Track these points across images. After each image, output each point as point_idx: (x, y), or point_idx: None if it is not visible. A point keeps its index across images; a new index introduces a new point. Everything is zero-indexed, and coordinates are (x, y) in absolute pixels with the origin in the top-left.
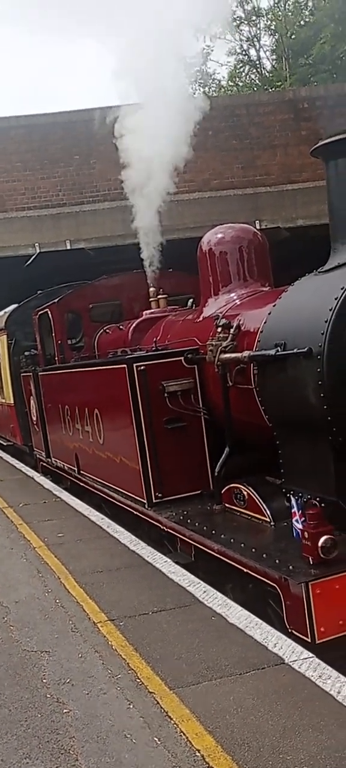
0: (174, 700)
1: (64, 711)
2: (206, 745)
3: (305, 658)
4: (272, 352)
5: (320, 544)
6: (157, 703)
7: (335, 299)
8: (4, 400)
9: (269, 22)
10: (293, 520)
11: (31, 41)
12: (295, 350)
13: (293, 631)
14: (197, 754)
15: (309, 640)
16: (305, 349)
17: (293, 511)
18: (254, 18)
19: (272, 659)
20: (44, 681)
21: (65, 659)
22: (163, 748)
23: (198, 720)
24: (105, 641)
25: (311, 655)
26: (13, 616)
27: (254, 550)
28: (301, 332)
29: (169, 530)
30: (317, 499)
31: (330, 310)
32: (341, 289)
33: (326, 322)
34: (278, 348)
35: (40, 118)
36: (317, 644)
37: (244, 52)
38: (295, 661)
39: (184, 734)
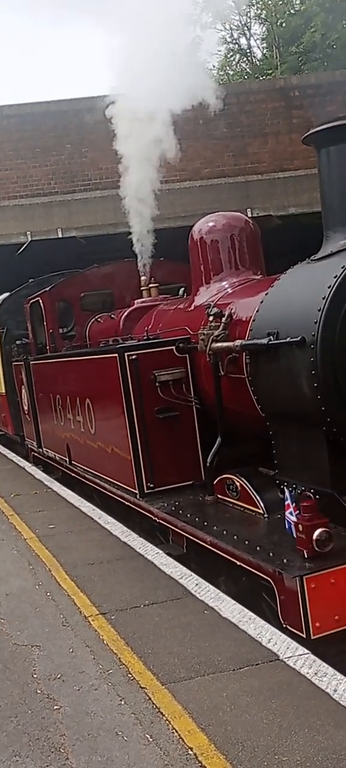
0: (166, 696)
1: (55, 707)
2: (199, 743)
3: (301, 655)
4: (265, 341)
5: (314, 537)
6: (149, 698)
7: (328, 287)
8: None
9: (260, 10)
10: (287, 512)
11: (22, 29)
12: (288, 339)
13: (288, 627)
14: (190, 752)
15: (304, 636)
16: (298, 338)
17: (286, 503)
18: (244, 7)
19: (267, 655)
20: (35, 676)
21: (56, 654)
22: (155, 745)
23: (190, 717)
24: (96, 635)
25: (306, 651)
26: (4, 609)
27: (247, 542)
28: (294, 321)
29: (161, 521)
30: (312, 490)
31: (323, 298)
32: (334, 277)
33: (319, 310)
34: (271, 337)
35: (32, 107)
36: (313, 640)
37: (234, 41)
38: (290, 657)
39: (176, 731)
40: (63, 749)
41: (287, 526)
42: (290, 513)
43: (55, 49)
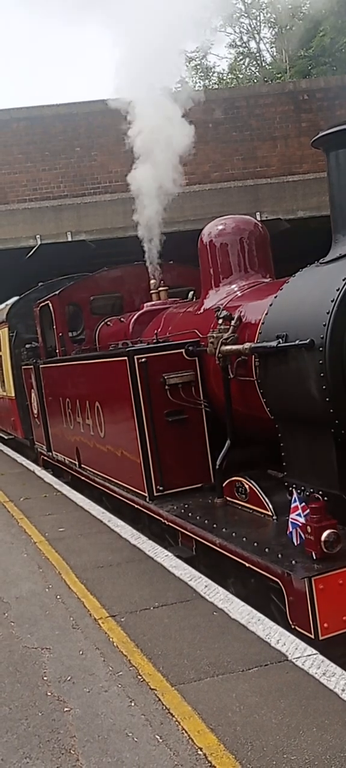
0: (176, 697)
1: (65, 709)
2: (209, 744)
3: (309, 655)
4: (274, 343)
5: (323, 538)
6: (159, 700)
7: (337, 290)
8: (5, 393)
9: (269, 14)
10: (293, 514)
11: (32, 32)
12: (297, 342)
13: (296, 628)
14: (200, 752)
15: (312, 637)
16: (307, 340)
17: (292, 506)
18: (254, 11)
19: (275, 656)
20: (45, 678)
21: (66, 656)
22: (165, 746)
23: (200, 717)
24: (106, 638)
25: (314, 651)
26: (14, 612)
27: (256, 544)
28: (303, 324)
29: (170, 524)
30: (320, 492)
31: (332, 301)
32: (343, 280)
33: (327, 313)
34: (280, 340)
35: (41, 110)
36: (321, 641)
37: (244, 45)
38: (298, 658)
39: (186, 732)
40: (73, 751)
41: (290, 528)
42: (298, 515)
43: (65, 52)
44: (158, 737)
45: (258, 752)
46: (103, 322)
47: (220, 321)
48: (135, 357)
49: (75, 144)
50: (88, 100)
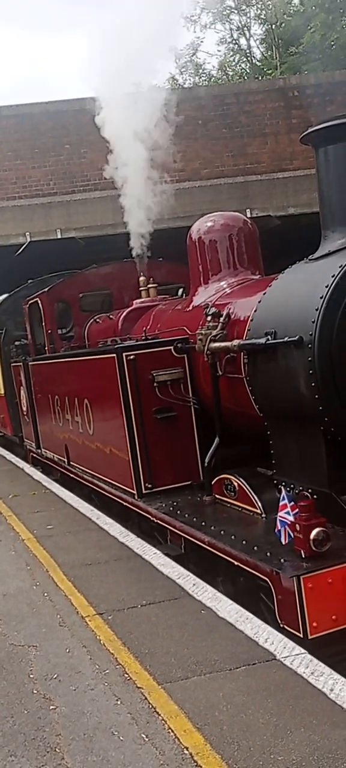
0: (162, 696)
1: (51, 707)
2: (195, 743)
3: (297, 654)
4: (262, 340)
5: (312, 536)
6: (145, 698)
7: (326, 287)
8: None
9: (259, 11)
10: (281, 512)
11: (22, 31)
12: (285, 339)
13: (285, 626)
14: (186, 751)
15: (301, 636)
16: (296, 337)
17: (281, 504)
18: (244, 7)
19: (263, 655)
20: (31, 676)
21: (53, 654)
22: (150, 745)
23: (186, 716)
24: (93, 636)
25: (303, 651)
26: (1, 609)
27: (244, 542)
28: (291, 321)
29: (159, 522)
30: (309, 490)
31: (321, 297)
32: (332, 276)
33: (316, 310)
34: (269, 337)
35: (31, 108)
36: (310, 640)
37: (234, 42)
38: (286, 657)
39: (172, 731)
40: (59, 749)
41: (279, 526)
42: (287, 513)
43: (55, 49)
44: (144, 736)
45: (245, 752)
46: (92, 319)
47: (208, 318)
48: (124, 354)
49: (64, 141)
50: (77, 98)
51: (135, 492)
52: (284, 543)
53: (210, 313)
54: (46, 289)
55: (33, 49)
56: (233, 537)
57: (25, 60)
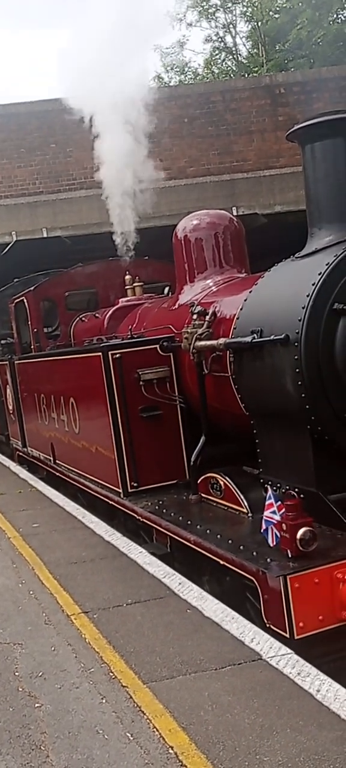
0: (147, 695)
1: (36, 705)
2: (180, 743)
3: (283, 655)
4: (248, 339)
5: (298, 536)
6: (130, 697)
7: (313, 285)
8: None
9: (245, 8)
10: (266, 512)
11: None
12: (272, 337)
13: (271, 626)
14: (171, 751)
15: (287, 636)
16: (282, 336)
17: (267, 503)
18: (229, 5)
19: (249, 655)
20: (16, 674)
21: (38, 652)
22: (135, 744)
23: (172, 716)
24: (78, 634)
25: (289, 651)
26: None
27: (230, 541)
28: (278, 319)
29: (144, 520)
30: (296, 489)
31: (307, 296)
32: (319, 274)
33: (303, 308)
34: (255, 335)
35: (17, 107)
36: (296, 640)
37: (220, 39)
38: (272, 657)
39: (157, 730)
40: (43, 747)
41: (264, 526)
42: (273, 512)
43: (41, 48)
44: (129, 735)
45: (230, 752)
46: (78, 318)
47: (194, 316)
48: (109, 353)
49: (50, 141)
50: (63, 97)
51: (121, 491)
52: (271, 545)
53: (196, 311)
54: (32, 288)
55: (16, 46)
56: (218, 536)
57: (9, 58)
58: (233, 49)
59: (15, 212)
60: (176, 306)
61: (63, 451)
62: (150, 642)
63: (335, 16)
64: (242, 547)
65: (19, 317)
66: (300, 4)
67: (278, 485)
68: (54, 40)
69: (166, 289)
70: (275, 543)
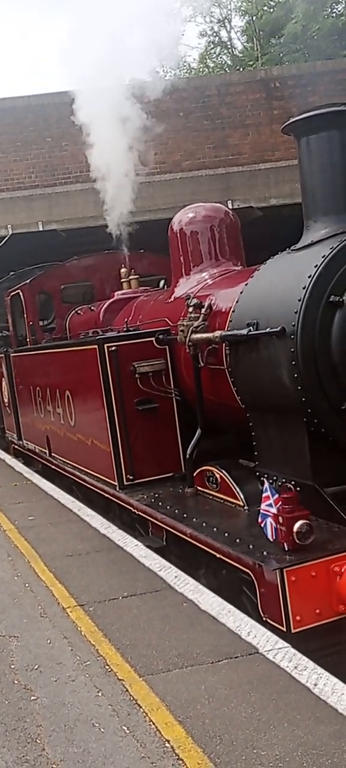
0: (143, 688)
1: (32, 698)
2: (176, 736)
3: (280, 648)
4: (244, 331)
5: (295, 529)
6: (126, 690)
7: (309, 277)
8: None
9: (240, 2)
10: (264, 504)
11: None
12: (268, 330)
13: (268, 620)
14: (167, 744)
15: (284, 630)
16: (278, 328)
17: (264, 495)
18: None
19: (246, 648)
20: (12, 667)
21: (34, 645)
22: (131, 737)
23: (168, 709)
24: (74, 627)
25: (286, 645)
26: None
27: (226, 534)
28: (274, 311)
29: (140, 513)
30: (292, 482)
31: (303, 288)
32: (315, 266)
33: (299, 300)
34: (251, 327)
35: (13, 101)
36: (293, 634)
37: (215, 34)
38: (269, 650)
39: (153, 724)
40: (39, 740)
41: (260, 519)
42: (270, 505)
43: (36, 43)
44: (125, 728)
45: (227, 746)
46: (73, 311)
47: (190, 309)
48: (105, 345)
49: (46, 134)
50: (59, 91)
51: (116, 483)
52: (271, 540)
53: (192, 304)
54: (27, 281)
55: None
56: (215, 529)
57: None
58: (228, 43)
59: (11, 206)
60: (172, 299)
61: (59, 444)
62: (146, 635)
63: (329, 9)
64: (238, 540)
65: (14, 310)
66: None
67: (275, 478)
68: (55, 34)
69: (162, 282)
70: (274, 537)
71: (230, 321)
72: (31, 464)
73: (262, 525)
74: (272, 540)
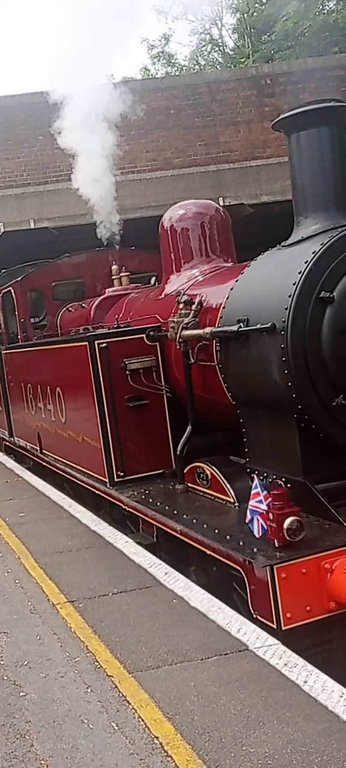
0: (133, 685)
1: (21, 694)
2: (165, 733)
3: (270, 645)
4: (235, 328)
5: (285, 525)
6: (116, 687)
7: (299, 273)
8: None
9: (231, 0)
10: (252, 501)
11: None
12: (258, 326)
13: (258, 617)
14: (156, 741)
15: (274, 627)
16: (269, 324)
17: (252, 492)
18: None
19: (236, 645)
20: (1, 663)
21: (23, 641)
22: (120, 734)
23: (157, 706)
24: (64, 623)
25: (276, 642)
26: None
27: (217, 531)
28: (264, 307)
29: (131, 510)
30: (283, 479)
31: (294, 284)
32: (305, 262)
33: (289, 296)
34: (241, 324)
35: (4, 100)
36: (283, 631)
37: (206, 32)
38: (259, 647)
39: (142, 720)
40: (28, 736)
41: (249, 516)
42: (259, 501)
43: (29, 41)
44: (114, 725)
45: (216, 743)
46: (64, 308)
47: (181, 306)
48: (96, 342)
49: (38, 133)
50: (50, 90)
51: (107, 480)
52: (257, 536)
53: (182, 300)
54: (19, 279)
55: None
56: (205, 526)
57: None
58: (220, 41)
59: (2, 204)
60: (163, 296)
61: (50, 441)
62: (136, 632)
63: (321, 7)
64: (228, 537)
65: (6, 308)
66: None
67: (265, 474)
68: (47, 32)
69: (153, 279)
70: (260, 534)
71: (221, 317)
72: (23, 461)
73: (248, 521)
74: (258, 537)
